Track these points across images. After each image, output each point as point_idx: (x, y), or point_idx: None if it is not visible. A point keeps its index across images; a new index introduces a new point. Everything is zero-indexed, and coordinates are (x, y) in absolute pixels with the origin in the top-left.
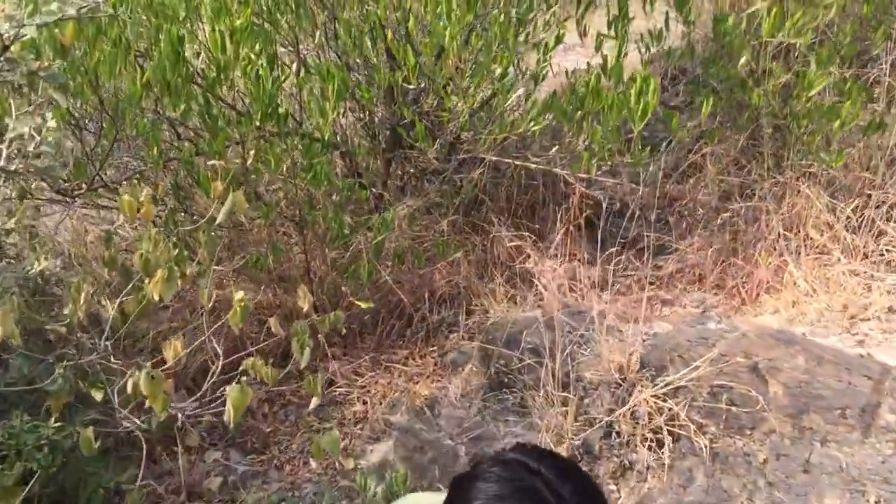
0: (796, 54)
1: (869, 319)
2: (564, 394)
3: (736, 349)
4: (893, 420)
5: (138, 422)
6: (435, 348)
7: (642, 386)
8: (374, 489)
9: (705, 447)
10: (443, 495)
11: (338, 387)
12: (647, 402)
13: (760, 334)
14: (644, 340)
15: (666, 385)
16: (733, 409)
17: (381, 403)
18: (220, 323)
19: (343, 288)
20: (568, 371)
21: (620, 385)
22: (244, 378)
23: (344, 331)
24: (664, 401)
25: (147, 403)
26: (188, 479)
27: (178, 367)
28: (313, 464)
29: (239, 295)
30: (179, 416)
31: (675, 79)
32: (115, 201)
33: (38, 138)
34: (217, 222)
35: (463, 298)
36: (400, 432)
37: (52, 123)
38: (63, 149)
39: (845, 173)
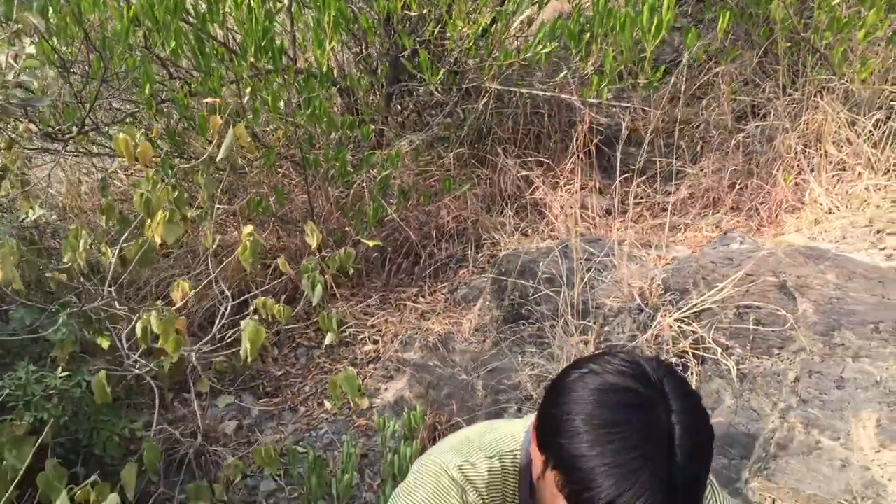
0: None
1: None
2: (584, 322)
3: (763, 268)
4: None
5: (150, 365)
6: (445, 284)
7: (665, 310)
8: (392, 427)
9: (732, 368)
10: (519, 422)
11: (348, 327)
12: (671, 327)
13: (789, 252)
14: (665, 265)
15: (690, 308)
16: (760, 328)
17: (392, 342)
18: (224, 264)
19: (347, 228)
20: (586, 299)
21: (642, 310)
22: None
23: (351, 271)
24: (688, 324)
25: (158, 343)
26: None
27: (185, 311)
28: (328, 404)
29: (248, 229)
30: (192, 357)
31: None
32: (108, 147)
33: (16, 67)
34: (218, 158)
35: (471, 233)
36: (414, 369)
37: (30, 50)
38: (46, 81)
39: (864, 87)
